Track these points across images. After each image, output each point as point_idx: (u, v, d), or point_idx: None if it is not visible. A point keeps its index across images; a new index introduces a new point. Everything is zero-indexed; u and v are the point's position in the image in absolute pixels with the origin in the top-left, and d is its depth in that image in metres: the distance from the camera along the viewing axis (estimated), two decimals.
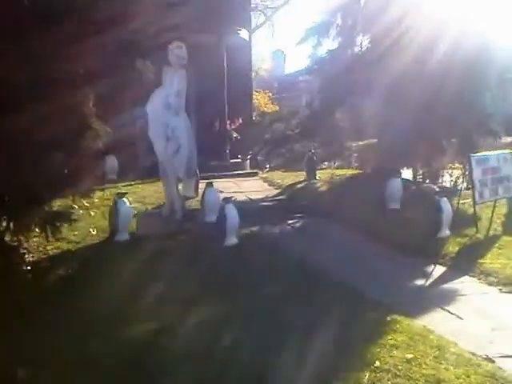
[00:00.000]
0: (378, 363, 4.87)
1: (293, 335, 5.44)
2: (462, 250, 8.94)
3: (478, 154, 10.63)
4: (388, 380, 4.61)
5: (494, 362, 5.25)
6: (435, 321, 6.31)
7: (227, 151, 17.41)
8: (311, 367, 4.74)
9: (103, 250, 8.85)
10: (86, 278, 7.42)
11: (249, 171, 17.17)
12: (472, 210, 11.10)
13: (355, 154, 18.56)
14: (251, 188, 14.41)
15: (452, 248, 9.03)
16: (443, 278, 7.97)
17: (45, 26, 8.38)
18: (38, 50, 8.01)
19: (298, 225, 11.26)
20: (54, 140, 9.20)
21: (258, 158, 24.36)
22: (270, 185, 14.94)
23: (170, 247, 9.04)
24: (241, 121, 17.75)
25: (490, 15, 14.63)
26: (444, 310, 6.64)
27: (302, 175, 15.62)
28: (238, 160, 17.82)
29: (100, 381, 4.65)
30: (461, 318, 6.40)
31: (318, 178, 15.16)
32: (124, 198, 9.42)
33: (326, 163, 23.90)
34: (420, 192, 13.09)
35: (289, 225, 11.15)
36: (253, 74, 32.08)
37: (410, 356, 5.07)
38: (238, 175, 16.33)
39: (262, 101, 31.68)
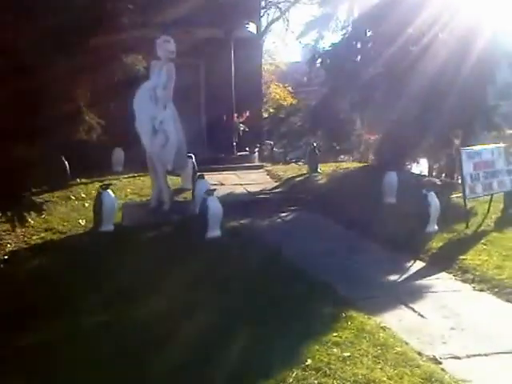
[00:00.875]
0: (310, 361, 4.78)
1: (236, 328, 5.38)
2: (446, 246, 8.78)
3: (469, 148, 10.34)
4: (315, 379, 4.52)
5: (440, 362, 5.12)
6: (395, 318, 6.19)
7: (234, 144, 17.38)
8: (236, 363, 4.67)
9: (84, 241, 8.90)
10: (57, 268, 7.46)
11: (256, 164, 17.12)
12: (470, 204, 10.92)
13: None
14: (252, 180, 14.37)
15: (436, 244, 8.86)
16: (419, 274, 7.84)
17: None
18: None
19: (288, 218, 11.18)
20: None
21: (275, 150, 24.27)
22: (271, 177, 14.88)
23: (149, 239, 9.09)
24: (248, 114, 17.58)
25: (499, 10, 14.29)
26: (408, 307, 6.51)
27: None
28: (246, 153, 17.73)
29: None
30: (423, 316, 6.27)
31: (320, 171, 14.96)
32: (108, 190, 9.44)
33: (342, 157, 23.82)
34: (421, 186, 12.81)
35: (280, 218, 11.07)
36: (272, 67, 32.07)
37: (347, 354, 4.97)
38: (244, 168, 16.29)
39: (281, 94, 31.53)
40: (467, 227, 9.74)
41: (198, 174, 11.00)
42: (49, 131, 9.48)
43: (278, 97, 30.33)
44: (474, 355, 5.29)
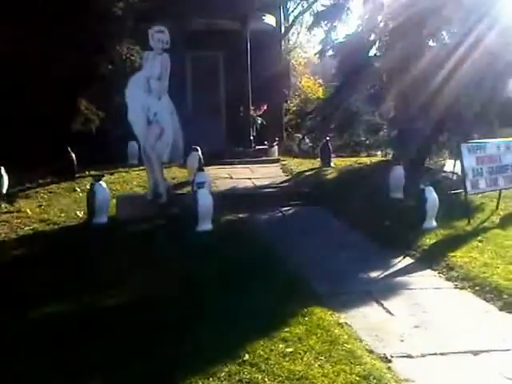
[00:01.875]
0: (247, 356, 4.65)
1: (183, 322, 5.32)
2: (440, 243, 8.50)
3: (472, 142, 9.99)
4: (247, 374, 4.40)
5: (389, 361, 4.92)
6: (360, 315, 6.02)
7: (251, 137, 17.25)
8: (170, 356, 4.59)
9: (73, 233, 8.93)
10: (33, 257, 7.52)
11: (273, 158, 16.95)
12: (479, 200, 10.69)
13: None
14: (263, 174, 14.26)
15: (430, 240, 8.60)
16: (403, 271, 7.61)
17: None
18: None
19: (290, 212, 11.06)
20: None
21: (303, 143, 23.98)
22: (283, 171, 14.74)
23: (138, 231, 9.07)
24: (265, 107, 17.44)
25: None
26: (380, 304, 6.31)
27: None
28: (264, 146, 17.59)
29: None
30: (391, 314, 6.06)
31: (333, 165, 14.74)
32: (101, 182, 9.45)
33: (373, 151, 23.38)
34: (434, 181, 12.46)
35: (280, 212, 10.92)
36: (305, 61, 31.83)
37: (290, 350, 4.83)
38: (259, 161, 16.19)
39: (313, 87, 31.28)
40: (469, 223, 9.40)
41: (198, 166, 10.91)
42: (44, 121, 9.63)
43: (309, 90, 30.07)
44: (430, 354, 5.06)
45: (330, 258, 8.12)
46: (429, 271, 7.51)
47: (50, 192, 11.49)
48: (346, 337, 5.28)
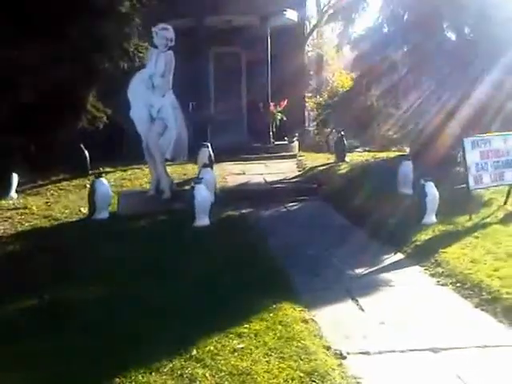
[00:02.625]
0: (195, 351, 4.68)
1: (145, 318, 5.40)
2: (435, 238, 8.37)
3: (476, 136, 9.77)
4: (191, 369, 4.44)
5: (344, 358, 4.89)
6: (331, 311, 6.02)
7: (270, 133, 17.25)
8: (119, 350, 4.66)
9: (71, 229, 9.12)
10: (22, 252, 7.69)
11: (291, 153, 16.90)
12: (488, 194, 10.63)
13: None
14: (277, 170, 14.26)
15: (425, 236, 8.48)
16: (391, 267, 7.55)
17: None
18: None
19: (294, 208, 11.05)
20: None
21: (330, 138, 23.79)
22: (298, 167, 14.71)
23: (137, 227, 9.21)
24: (285, 103, 17.41)
25: None
26: (354, 300, 6.28)
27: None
28: (284, 142, 17.58)
29: None
30: (362, 310, 6.03)
31: (347, 160, 14.63)
32: (102, 179, 9.61)
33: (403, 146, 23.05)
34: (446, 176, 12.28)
35: (285, 207, 10.92)
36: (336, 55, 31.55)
37: (241, 346, 4.85)
38: (277, 157, 16.20)
39: (345, 81, 30.98)
40: (470, 219, 9.21)
41: (203, 163, 10.99)
42: (51, 120, 9.84)
43: (340, 84, 29.79)
44: (388, 351, 5.02)
45: (322, 253, 8.11)
46: (416, 267, 7.41)
47: (61, 189, 11.72)
48: (305, 333, 5.26)
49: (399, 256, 7.97)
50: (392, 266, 7.55)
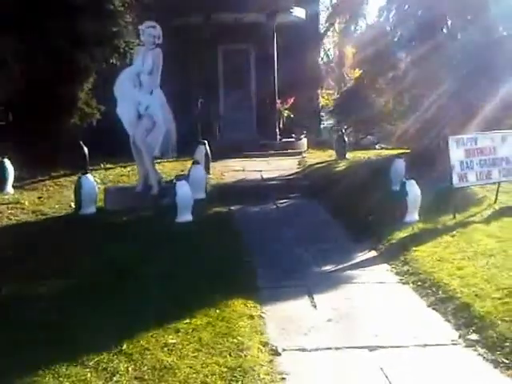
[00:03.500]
0: (126, 346, 4.76)
1: (92, 312, 5.50)
2: (411, 237, 8.30)
3: (462, 135, 9.66)
4: (115, 364, 4.51)
5: (279, 354, 4.92)
6: (282, 307, 6.07)
7: (276, 130, 17.26)
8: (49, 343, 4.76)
9: (56, 223, 9.29)
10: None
11: (296, 150, 16.94)
12: (482, 192, 10.61)
13: None
14: (277, 167, 14.30)
15: (402, 234, 8.42)
16: (360, 264, 7.53)
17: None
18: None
19: (283, 204, 11.08)
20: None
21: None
22: (298, 164, 14.69)
23: (119, 222, 9.34)
24: (292, 100, 17.42)
25: None
26: (310, 297, 6.31)
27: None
28: (291, 139, 17.59)
29: None
30: (315, 307, 6.06)
31: (348, 157, 14.59)
32: (88, 175, 9.77)
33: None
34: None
35: (275, 204, 10.96)
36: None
37: (173, 341, 4.91)
38: (281, 154, 16.28)
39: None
40: (454, 218, 9.11)
41: (194, 160, 11.10)
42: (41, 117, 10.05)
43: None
44: (325, 348, 5.02)
45: (296, 250, 8.14)
46: (384, 265, 7.40)
47: (57, 184, 11.92)
48: (246, 329, 5.30)
49: (372, 254, 7.95)
50: (361, 264, 7.53)
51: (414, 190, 9.00)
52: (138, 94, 9.97)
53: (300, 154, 16.29)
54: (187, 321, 5.36)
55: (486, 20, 12.36)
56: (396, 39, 14.40)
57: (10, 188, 11.36)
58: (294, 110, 17.64)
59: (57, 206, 10.34)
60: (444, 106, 12.93)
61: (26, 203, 10.51)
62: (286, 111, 17.38)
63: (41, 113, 10.31)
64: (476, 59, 12.29)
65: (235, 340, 5.03)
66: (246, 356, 4.76)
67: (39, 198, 10.89)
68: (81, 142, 12.87)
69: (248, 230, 9.21)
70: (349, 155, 15.22)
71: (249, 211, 10.52)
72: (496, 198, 10.20)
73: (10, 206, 10.25)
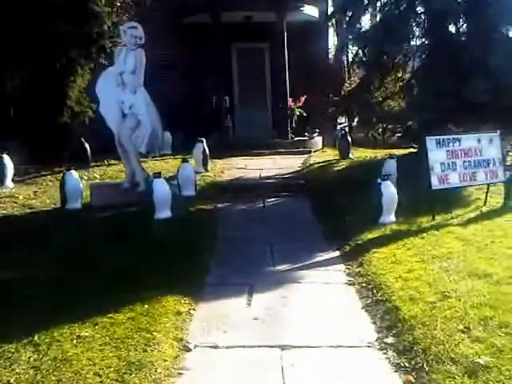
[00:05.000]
0: (36, 337, 4.92)
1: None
2: (378, 238, 8.24)
3: (445, 136, 9.52)
4: (20, 353, 4.65)
5: (189, 350, 5.01)
6: (215, 305, 6.12)
7: (288, 128, 17.30)
8: None
9: (40, 217, 9.59)
10: None
11: (307, 149, 16.93)
12: (475, 194, 10.47)
13: None
14: (280, 165, 14.36)
15: (372, 235, 8.38)
16: (318, 264, 7.54)
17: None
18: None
19: (272, 203, 11.15)
20: None
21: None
22: (302, 163, 14.67)
23: (101, 217, 9.58)
24: (303, 98, 17.42)
25: None
26: (249, 296, 6.31)
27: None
28: (303, 138, 17.60)
29: None
30: (249, 305, 6.11)
31: (352, 157, 14.52)
32: (72, 171, 10.03)
33: None
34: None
35: (264, 202, 11.01)
36: None
37: (86, 334, 5.05)
38: (291, 153, 16.34)
39: None
40: (433, 219, 9.02)
41: (182, 157, 11.26)
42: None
43: None
44: (237, 346, 5.08)
45: (262, 249, 8.17)
46: (340, 266, 7.40)
47: (58, 180, 12.19)
48: (167, 325, 5.40)
49: (335, 254, 7.95)
50: (319, 264, 7.54)
51: (389, 191, 8.93)
52: (121, 94, 10.14)
53: (309, 152, 16.26)
54: (110, 315, 5.46)
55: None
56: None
57: (9, 182, 11.71)
58: (308, 108, 17.55)
59: (48, 201, 10.60)
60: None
61: (20, 197, 10.81)
62: (299, 110, 17.32)
63: (36, 111, 10.60)
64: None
65: (149, 335, 5.11)
66: (152, 351, 4.83)
67: (35, 192, 11.17)
68: (82, 139, 13.12)
69: (225, 227, 9.31)
70: (354, 155, 15.07)
71: (234, 209, 10.60)
72: (485, 200, 10.00)
73: (3, 199, 10.55)
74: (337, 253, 7.98)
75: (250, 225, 9.54)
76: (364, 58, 13.85)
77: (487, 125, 11.74)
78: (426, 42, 13.22)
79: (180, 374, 4.60)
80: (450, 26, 13.20)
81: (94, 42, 10.77)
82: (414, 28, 13.53)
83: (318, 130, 17.64)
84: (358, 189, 10.43)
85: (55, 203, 10.48)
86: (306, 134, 17.49)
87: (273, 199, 11.29)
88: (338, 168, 13.69)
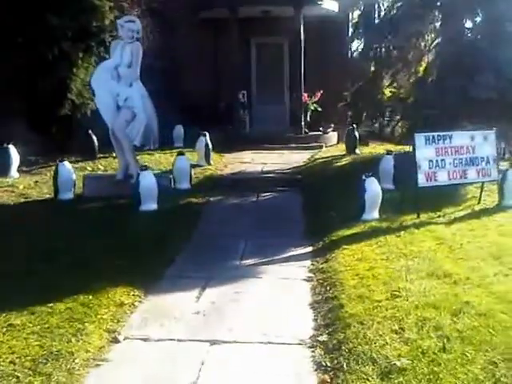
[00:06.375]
0: None
1: None
2: (354, 235, 8.13)
3: (436, 132, 9.31)
4: None
5: (118, 342, 5.04)
6: (163, 298, 6.18)
7: (302, 123, 17.19)
8: None
9: (32, 206, 9.78)
10: None
11: (318, 144, 16.79)
12: (472, 192, 10.33)
13: None
14: (286, 160, 14.31)
15: (349, 231, 8.29)
16: (287, 259, 7.50)
17: None
18: None
19: (265, 198, 11.14)
20: None
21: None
22: (308, 158, 14.56)
23: (89, 208, 9.74)
24: (320, 94, 17.29)
25: None
26: (202, 290, 6.34)
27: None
28: (317, 133, 17.47)
29: None
30: (197, 299, 6.13)
31: (358, 152, 14.36)
32: (65, 162, 10.18)
33: None
34: None
35: (257, 197, 11.01)
36: None
37: (18, 322, 5.12)
38: (302, 148, 16.22)
39: None
40: (418, 217, 8.86)
41: (178, 151, 11.31)
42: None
43: None
44: (168, 340, 5.09)
45: (237, 243, 8.15)
46: (306, 262, 7.34)
47: None
48: (104, 317, 5.44)
49: (308, 250, 7.87)
50: (288, 259, 7.48)
51: (372, 187, 8.78)
52: (117, 86, 10.21)
53: (321, 148, 16.10)
54: (51, 304, 5.51)
55: None
56: None
57: (14, 172, 11.91)
58: (325, 103, 17.39)
59: (45, 191, 10.78)
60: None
61: (21, 187, 11.00)
62: (314, 105, 17.17)
63: (38, 103, 10.82)
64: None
65: (81, 326, 5.15)
66: (78, 341, 4.86)
67: (36, 182, 11.36)
68: (90, 131, 13.28)
69: (208, 221, 9.32)
70: (362, 150, 14.90)
71: (226, 203, 10.59)
72: (480, 199, 9.77)
73: (3, 188, 10.75)
74: (309, 249, 7.89)
75: (234, 219, 9.51)
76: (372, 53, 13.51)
77: (493, 122, 11.42)
78: (437, 38, 12.80)
79: (98, 365, 4.61)
80: (463, 21, 12.70)
81: (93, 35, 10.88)
82: (427, 23, 13.14)
83: (332, 126, 17.42)
84: (351, 185, 10.25)
85: (51, 193, 10.60)
86: (321, 129, 17.27)
87: (267, 194, 11.21)
88: (339, 164, 13.54)
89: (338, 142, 17.76)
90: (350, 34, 17.75)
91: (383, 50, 13.06)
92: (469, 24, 12.73)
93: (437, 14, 13.54)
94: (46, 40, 9.79)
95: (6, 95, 10.87)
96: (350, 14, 16.82)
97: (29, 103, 11.17)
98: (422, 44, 13.12)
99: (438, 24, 12.84)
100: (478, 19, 12.50)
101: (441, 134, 9.18)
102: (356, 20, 14.26)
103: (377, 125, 22.71)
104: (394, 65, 13.31)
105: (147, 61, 14.98)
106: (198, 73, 17.92)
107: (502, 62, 11.31)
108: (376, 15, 14.11)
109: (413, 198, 9.14)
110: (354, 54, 16.96)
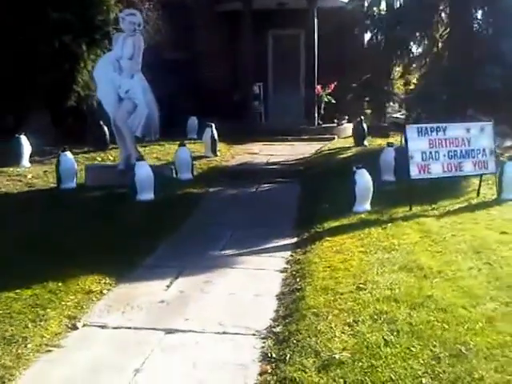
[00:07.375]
0: None
1: None
2: (340, 227, 8.11)
3: (429, 124, 9.21)
4: None
5: (76, 328, 5.15)
6: (137, 287, 6.23)
7: (315, 115, 17.16)
8: None
9: (35, 195, 10.03)
10: None
11: (330, 136, 16.77)
12: (474, 185, 10.02)
13: None
14: (294, 152, 14.34)
15: (336, 223, 8.27)
16: (266, 251, 7.50)
17: None
18: None
19: (265, 188, 11.17)
20: None
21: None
22: (316, 150, 14.52)
23: (89, 196, 9.96)
24: (333, 85, 17.21)
25: None
26: (175, 278, 6.45)
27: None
28: (332, 124, 17.41)
29: None
30: (167, 288, 6.20)
31: (366, 144, 14.27)
32: (67, 152, 10.37)
33: None
34: None
35: (257, 188, 11.05)
36: None
37: None
38: (314, 139, 16.24)
39: None
40: (410, 210, 8.80)
41: (179, 142, 11.41)
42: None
43: None
44: (125, 328, 5.17)
45: (224, 233, 8.20)
46: (286, 253, 7.32)
47: None
48: (68, 303, 5.55)
49: (292, 241, 7.88)
50: (269, 250, 7.51)
51: (363, 179, 8.73)
52: (118, 78, 10.36)
53: (332, 139, 16.04)
54: (18, 290, 5.64)
55: None
56: None
57: (25, 162, 12.19)
58: (339, 94, 17.30)
59: (51, 180, 11.00)
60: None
61: (29, 176, 11.26)
62: (328, 96, 17.09)
63: (45, 94, 11.06)
64: None
65: (42, 312, 5.27)
66: (35, 327, 4.98)
67: (44, 172, 11.58)
68: (101, 122, 13.47)
69: (201, 211, 9.40)
70: (371, 142, 14.81)
71: (224, 194, 10.65)
72: (478, 192, 9.65)
73: (12, 177, 11.00)
74: (294, 240, 7.90)
75: (229, 209, 9.56)
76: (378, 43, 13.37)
77: (499, 113, 11.25)
78: (443, 29, 12.62)
79: (49, 350, 4.70)
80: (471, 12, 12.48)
81: (97, 28, 11.07)
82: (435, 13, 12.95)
83: (347, 117, 17.32)
84: (350, 177, 10.19)
85: (54, 183, 10.78)
86: (335, 120, 17.19)
87: (267, 185, 11.23)
88: (344, 155, 13.49)
89: (352, 134, 17.59)
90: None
91: (390, 40, 12.71)
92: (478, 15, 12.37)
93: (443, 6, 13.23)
94: (46, 34, 9.90)
95: (23, 89, 11.05)
96: (365, 6, 16.47)
97: (44, 97, 11.35)
98: (431, 35, 12.74)
99: (444, 16, 12.46)
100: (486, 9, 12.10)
101: (434, 125, 9.07)
102: (366, 10, 13.92)
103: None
104: (401, 56, 13.05)
105: (165, 54, 15.23)
106: (214, 65, 18.01)
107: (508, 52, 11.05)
108: (384, 6, 13.69)
109: (409, 190, 9.01)
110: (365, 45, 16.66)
